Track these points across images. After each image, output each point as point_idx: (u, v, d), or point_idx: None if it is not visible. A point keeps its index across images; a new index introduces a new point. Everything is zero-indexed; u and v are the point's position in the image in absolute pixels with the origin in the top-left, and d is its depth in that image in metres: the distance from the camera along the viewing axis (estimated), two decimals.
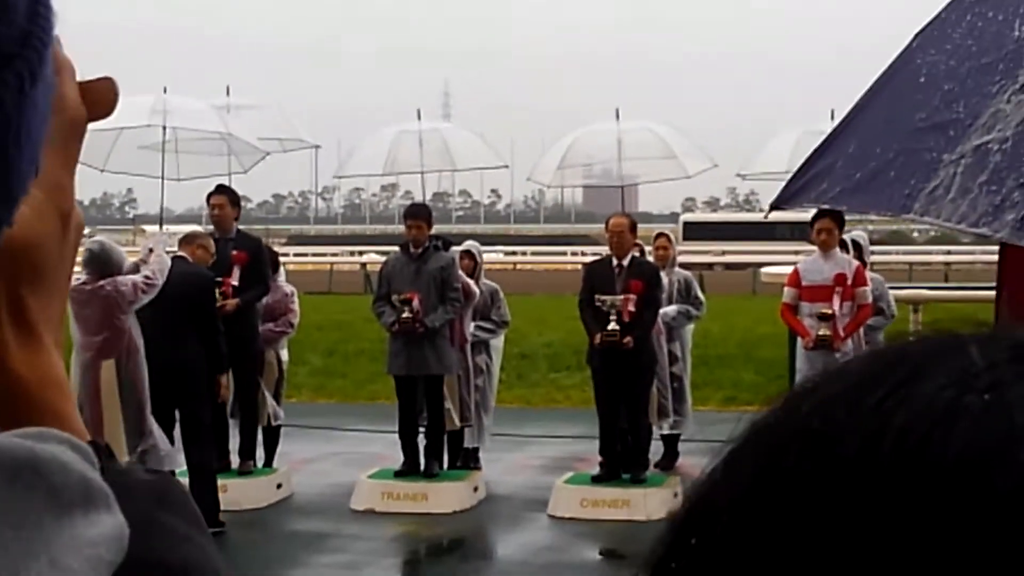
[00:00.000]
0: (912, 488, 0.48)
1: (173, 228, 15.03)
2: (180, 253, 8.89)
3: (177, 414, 8.67)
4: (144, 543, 0.65)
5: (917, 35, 3.75)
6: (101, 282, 8.37)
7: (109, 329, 8.36)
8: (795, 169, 4.25)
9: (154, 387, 8.43)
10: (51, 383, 0.74)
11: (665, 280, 10.52)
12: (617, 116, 12.60)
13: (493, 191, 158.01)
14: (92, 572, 0.57)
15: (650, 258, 10.70)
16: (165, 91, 11.80)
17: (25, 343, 0.73)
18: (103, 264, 8.43)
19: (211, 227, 10.08)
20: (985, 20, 3.50)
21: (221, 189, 9.98)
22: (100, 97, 0.76)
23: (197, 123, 11.63)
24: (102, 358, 8.26)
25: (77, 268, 9.01)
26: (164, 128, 11.39)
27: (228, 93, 13.37)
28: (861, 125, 3.85)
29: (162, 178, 11.65)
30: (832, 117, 13.36)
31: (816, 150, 4.07)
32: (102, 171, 11.95)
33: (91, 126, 0.78)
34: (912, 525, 0.47)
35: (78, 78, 0.75)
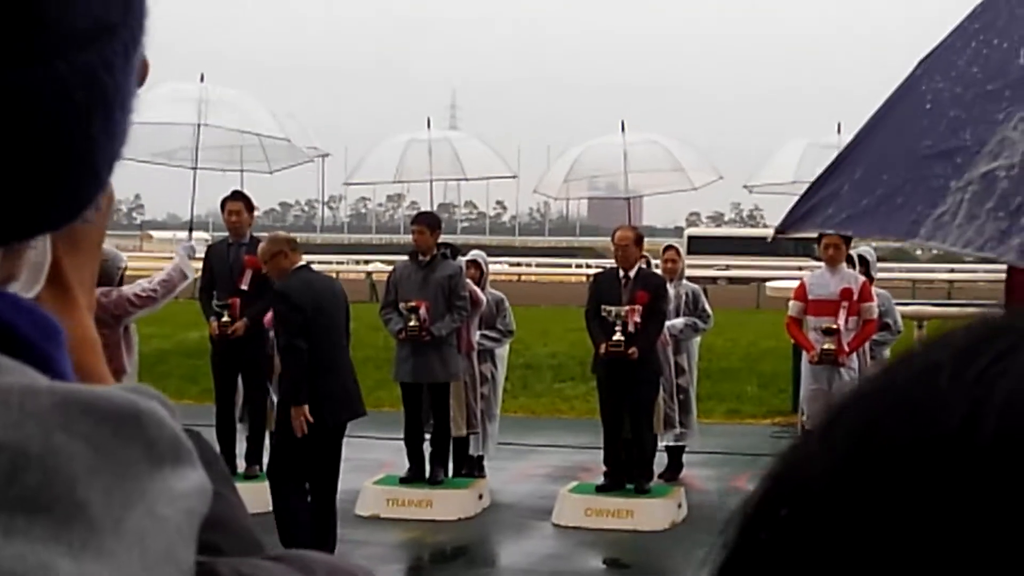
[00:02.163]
0: (1017, 463, 0.45)
1: (181, 235, 14.85)
2: (303, 263, 8.08)
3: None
4: None
5: (921, 62, 3.77)
6: None
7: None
8: (801, 192, 4.27)
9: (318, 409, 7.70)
10: (86, 343, 0.77)
11: (673, 293, 10.57)
12: (623, 129, 12.66)
13: (499, 203, 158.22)
14: (186, 521, 0.59)
15: (658, 270, 10.75)
16: (202, 79, 11.22)
17: (61, 304, 0.75)
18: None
19: (221, 233, 10.16)
20: (990, 47, 3.52)
21: (237, 195, 10.03)
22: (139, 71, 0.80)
23: (239, 123, 11.16)
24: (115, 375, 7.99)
25: None
26: (199, 126, 10.80)
27: None
28: (867, 151, 3.87)
29: (193, 180, 10.95)
30: (839, 131, 13.43)
31: (821, 176, 4.08)
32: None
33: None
34: (1017, 501, 0.45)
35: None
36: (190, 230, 10.44)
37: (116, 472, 0.57)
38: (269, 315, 8.42)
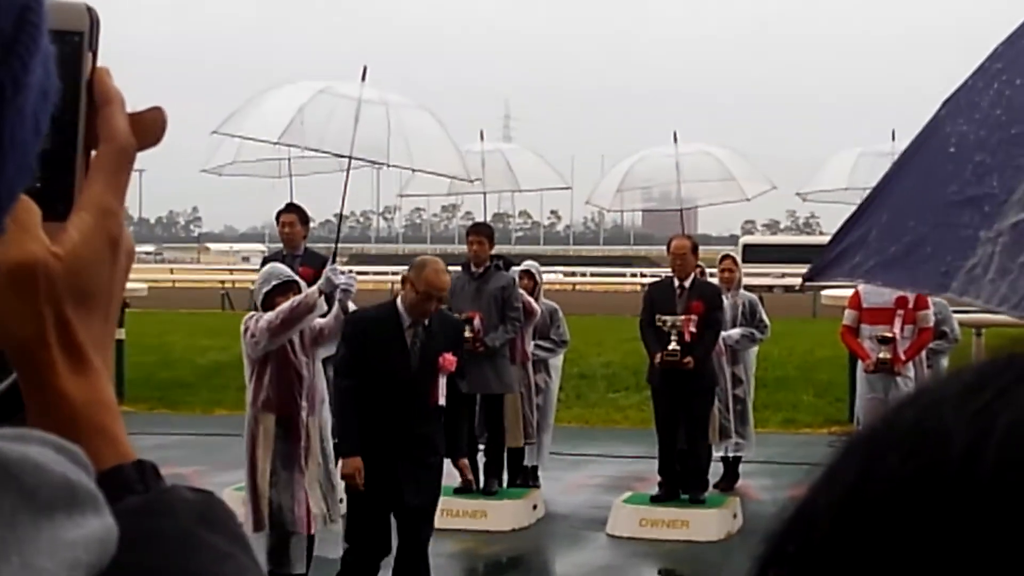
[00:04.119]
0: (1018, 493, 0.46)
1: (238, 247, 14.60)
2: None
3: None
4: (184, 559, 0.66)
5: (945, 103, 3.69)
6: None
7: (250, 376, 7.21)
8: (853, 199, 4.22)
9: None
10: (99, 404, 0.75)
11: (730, 302, 10.54)
12: (675, 139, 12.62)
13: (553, 212, 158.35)
14: (67, 573, 0.56)
15: (713, 280, 10.71)
16: (364, 76, 9.48)
17: (73, 364, 0.74)
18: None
19: (277, 245, 10.19)
20: (1012, 88, 3.43)
21: (291, 207, 10.08)
22: (149, 127, 0.79)
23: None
24: (254, 408, 7.20)
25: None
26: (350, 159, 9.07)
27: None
28: (893, 195, 3.80)
29: (346, 181, 9.24)
30: (893, 138, 13.31)
31: (849, 220, 4.00)
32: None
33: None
34: (1016, 531, 0.45)
35: (129, 109, 0.78)
36: (335, 254, 8.51)
37: None
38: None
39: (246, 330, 7.05)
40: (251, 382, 7.18)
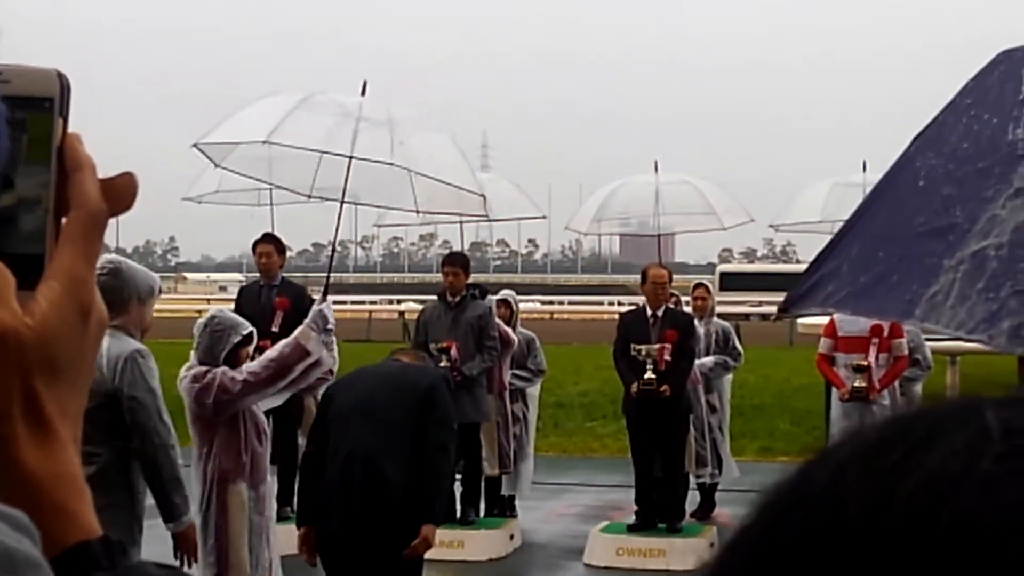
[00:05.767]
0: (916, 560, 0.45)
1: (216, 276, 14.37)
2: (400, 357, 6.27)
3: None
4: None
5: (916, 138, 3.77)
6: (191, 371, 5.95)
7: (204, 441, 5.96)
8: (828, 230, 4.31)
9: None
10: (63, 479, 0.72)
11: (703, 330, 10.57)
12: (656, 168, 12.68)
13: (530, 241, 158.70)
14: None
15: (688, 308, 10.76)
16: (364, 91, 8.29)
17: (38, 437, 0.72)
18: (203, 349, 5.96)
19: (255, 274, 10.20)
20: (980, 123, 3.51)
21: (268, 237, 10.10)
22: (121, 192, 0.77)
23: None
24: (222, 482, 5.95)
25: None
26: (351, 159, 7.72)
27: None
28: (864, 228, 3.87)
29: (339, 214, 8.01)
30: (864, 169, 13.40)
31: (822, 252, 4.08)
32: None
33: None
34: None
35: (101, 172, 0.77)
36: (325, 291, 7.00)
37: None
38: None
39: (205, 387, 5.79)
40: (213, 450, 5.93)
